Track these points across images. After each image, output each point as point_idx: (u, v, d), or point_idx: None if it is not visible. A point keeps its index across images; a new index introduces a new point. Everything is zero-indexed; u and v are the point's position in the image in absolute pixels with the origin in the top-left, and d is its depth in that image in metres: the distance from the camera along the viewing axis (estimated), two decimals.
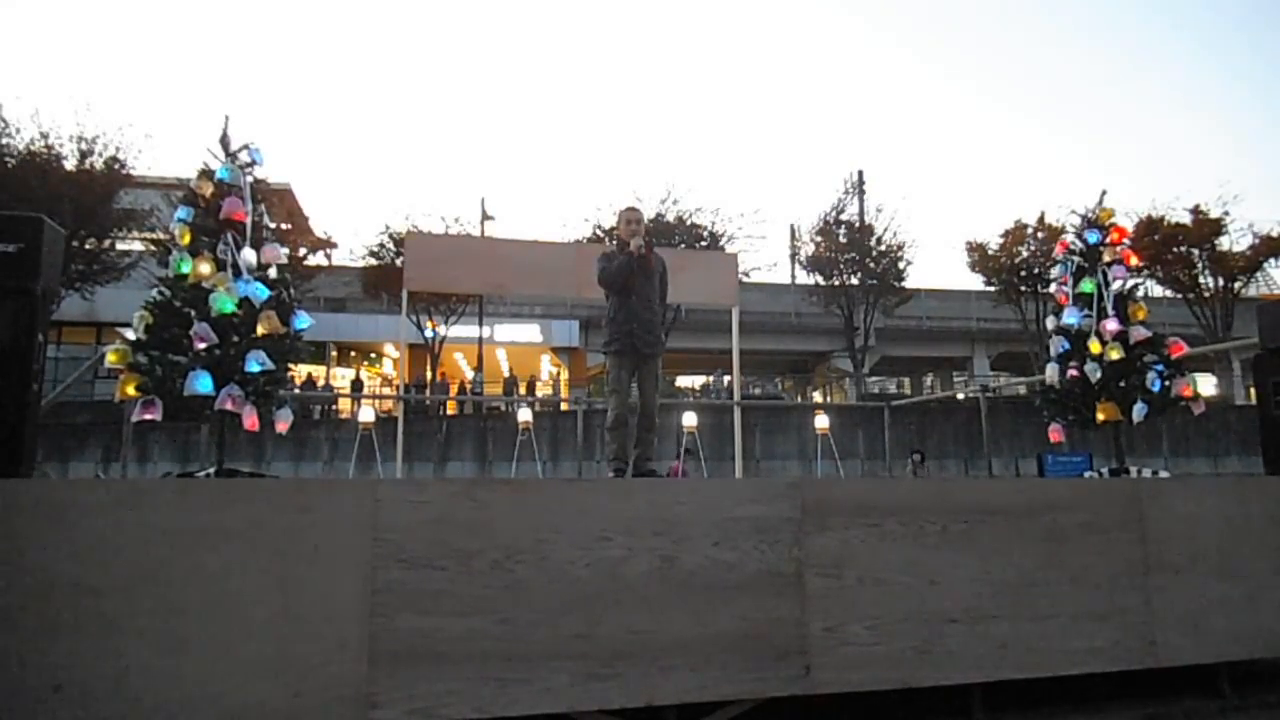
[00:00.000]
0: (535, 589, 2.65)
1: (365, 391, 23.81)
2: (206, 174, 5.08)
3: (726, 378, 27.27)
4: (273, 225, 5.84)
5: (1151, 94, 75.40)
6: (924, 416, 18.68)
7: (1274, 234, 23.83)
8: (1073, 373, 6.00)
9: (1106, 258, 6.15)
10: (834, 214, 25.86)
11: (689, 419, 11.94)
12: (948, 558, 3.08)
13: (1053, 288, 6.96)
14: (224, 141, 5.20)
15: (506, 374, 24.31)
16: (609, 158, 61.50)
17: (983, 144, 71.50)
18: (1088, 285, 6.13)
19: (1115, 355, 5.79)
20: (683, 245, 20.32)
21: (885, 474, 11.78)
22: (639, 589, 2.74)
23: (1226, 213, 23.41)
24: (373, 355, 28.14)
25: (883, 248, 24.59)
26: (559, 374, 27.84)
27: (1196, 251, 23.70)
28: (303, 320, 5.23)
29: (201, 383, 4.56)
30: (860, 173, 27.10)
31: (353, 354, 27.07)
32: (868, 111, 72.47)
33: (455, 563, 2.60)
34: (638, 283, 4.76)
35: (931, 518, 3.10)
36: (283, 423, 5.17)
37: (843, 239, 25.12)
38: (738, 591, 2.83)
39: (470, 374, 25.66)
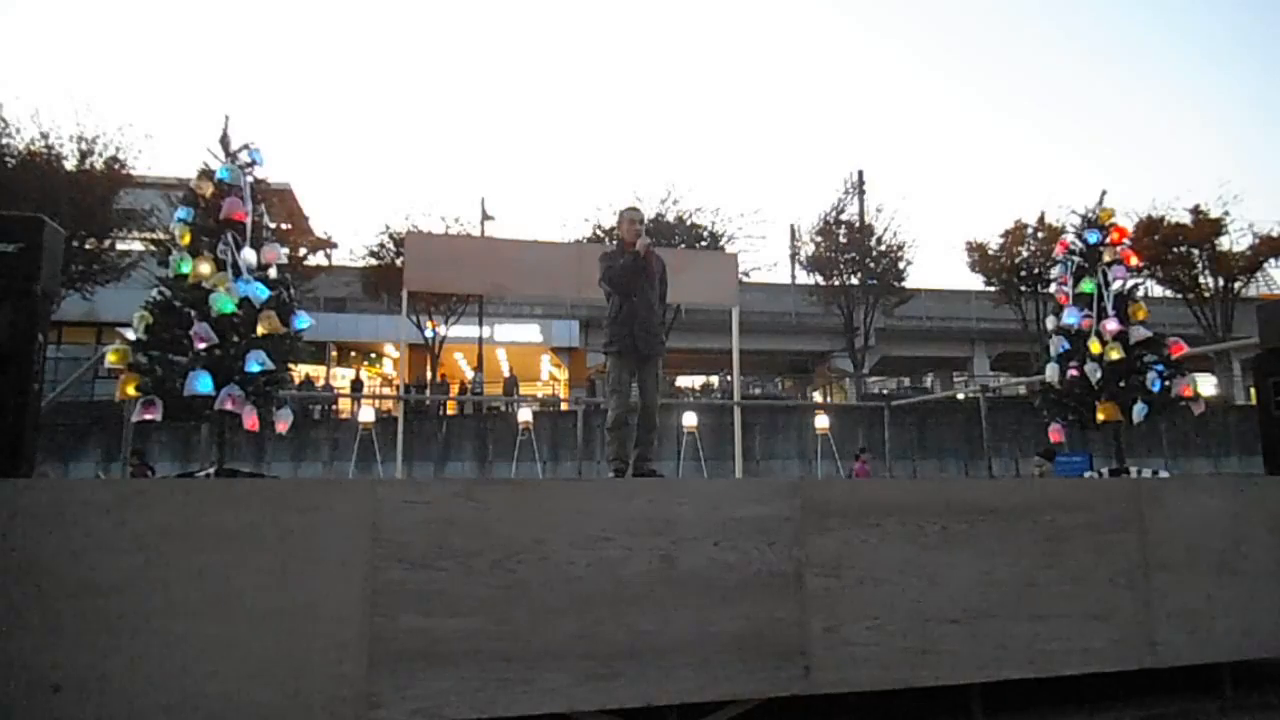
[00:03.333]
0: (535, 589, 2.65)
1: (365, 391, 23.81)
2: (206, 174, 5.09)
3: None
4: (273, 225, 5.85)
5: (1151, 95, 75.44)
6: (924, 416, 18.67)
7: (1274, 234, 23.82)
8: (1073, 373, 6.01)
9: (1106, 258, 6.16)
10: (834, 214, 25.86)
11: (689, 419, 11.96)
12: (948, 558, 3.08)
13: (1053, 288, 6.96)
14: (224, 141, 5.21)
15: (506, 374, 24.31)
16: (609, 158, 61.53)
17: (983, 144, 71.54)
18: (1088, 285, 6.14)
19: (1115, 355, 5.80)
20: (683, 245, 20.28)
21: (885, 474, 11.78)
22: (639, 589, 2.74)
23: (1226, 213, 23.41)
24: (373, 355, 28.13)
25: (883, 248, 24.57)
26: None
27: (1196, 251, 23.68)
28: (303, 320, 5.24)
29: (201, 383, 4.56)
30: (860, 173, 27.15)
31: (353, 354, 27.05)
32: (868, 111, 72.52)
33: (455, 563, 2.60)
34: (639, 283, 4.76)
35: (931, 518, 3.10)
36: (283, 423, 5.18)
37: (843, 239, 25.11)
38: (738, 591, 2.82)
39: (470, 374, 25.65)
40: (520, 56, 76.61)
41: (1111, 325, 5.88)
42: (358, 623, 2.49)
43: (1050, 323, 6.53)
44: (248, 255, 4.95)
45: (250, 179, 5.21)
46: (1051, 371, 6.19)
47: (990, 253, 24.94)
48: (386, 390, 26.00)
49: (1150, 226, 23.25)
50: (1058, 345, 6.26)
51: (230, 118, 5.23)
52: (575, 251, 9.36)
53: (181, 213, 5.04)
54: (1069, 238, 6.50)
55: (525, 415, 12.49)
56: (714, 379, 27.70)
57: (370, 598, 2.51)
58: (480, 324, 23.24)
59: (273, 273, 5.17)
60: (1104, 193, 6.45)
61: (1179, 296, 24.41)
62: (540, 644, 2.61)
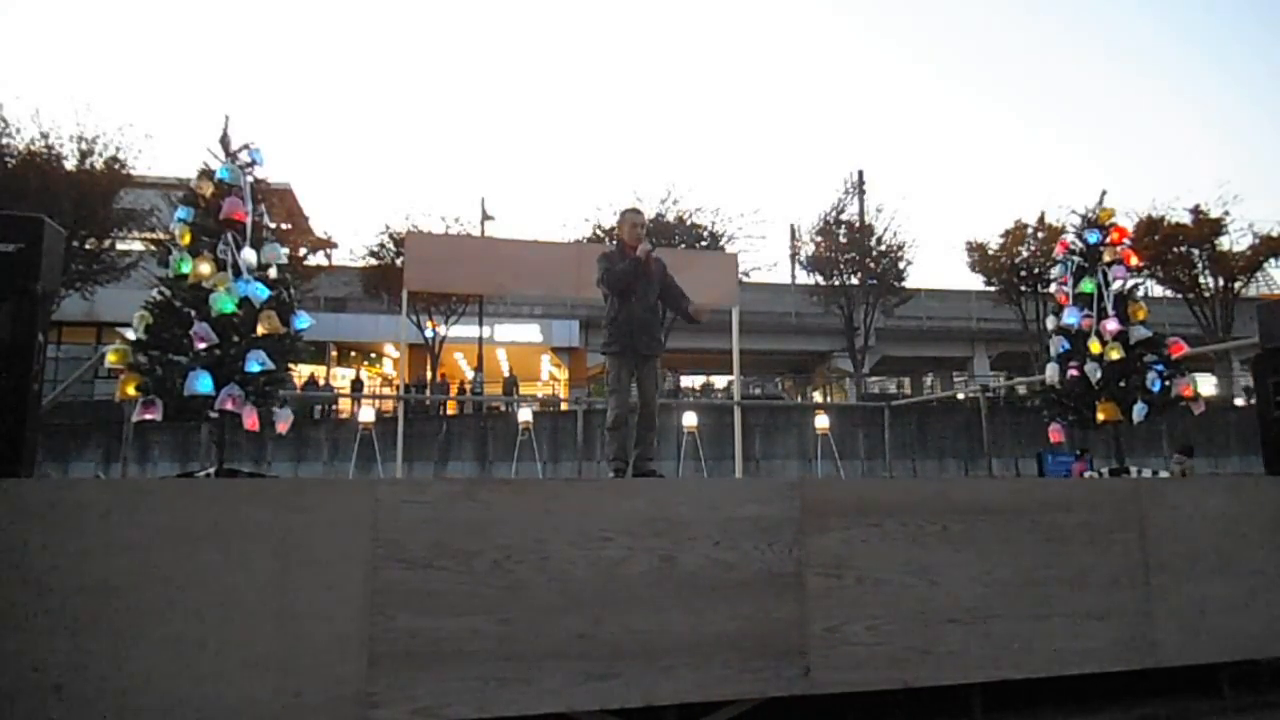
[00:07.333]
0: (535, 589, 2.65)
1: (365, 391, 23.81)
2: (206, 174, 5.09)
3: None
4: (273, 225, 5.85)
5: (1151, 95, 75.44)
6: (924, 416, 18.67)
7: (1274, 234, 23.83)
8: (1073, 373, 6.01)
9: (1106, 258, 6.16)
10: (834, 214, 25.83)
11: (689, 419, 11.96)
12: (948, 558, 3.08)
13: (1053, 288, 6.96)
14: (224, 141, 5.21)
15: (506, 374, 24.30)
16: (609, 158, 61.60)
17: (983, 144, 71.58)
18: (1088, 285, 6.13)
19: (1115, 355, 5.80)
20: (683, 245, 20.27)
21: (885, 474, 11.78)
22: (639, 589, 2.73)
23: (1226, 213, 23.43)
24: (373, 355, 28.13)
25: (883, 248, 24.56)
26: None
27: (1196, 251, 23.70)
28: (303, 320, 5.24)
29: (201, 383, 4.57)
30: (860, 173, 27.12)
31: (353, 354, 27.05)
32: (868, 111, 72.55)
33: (455, 563, 2.60)
34: (638, 285, 4.77)
35: (931, 518, 3.10)
36: (283, 423, 5.18)
37: (843, 239, 25.08)
38: (738, 591, 2.82)
39: (470, 374, 25.65)
40: (520, 57, 76.63)
41: (1111, 325, 5.88)
42: (357, 623, 2.49)
43: (1050, 323, 6.52)
44: (248, 255, 4.95)
45: (250, 179, 5.21)
46: (1051, 371, 6.19)
47: (990, 253, 24.93)
48: (386, 390, 26.01)
49: (1150, 226, 23.25)
50: (1058, 345, 6.26)
51: (230, 118, 5.24)
52: (575, 251, 9.36)
53: (181, 213, 5.04)
54: (1069, 238, 6.50)
55: (525, 415, 12.48)
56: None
57: (370, 598, 2.51)
58: (480, 324, 23.23)
59: (273, 273, 5.17)
60: (1104, 193, 6.46)
61: (1179, 296, 24.43)
62: (540, 644, 2.61)
